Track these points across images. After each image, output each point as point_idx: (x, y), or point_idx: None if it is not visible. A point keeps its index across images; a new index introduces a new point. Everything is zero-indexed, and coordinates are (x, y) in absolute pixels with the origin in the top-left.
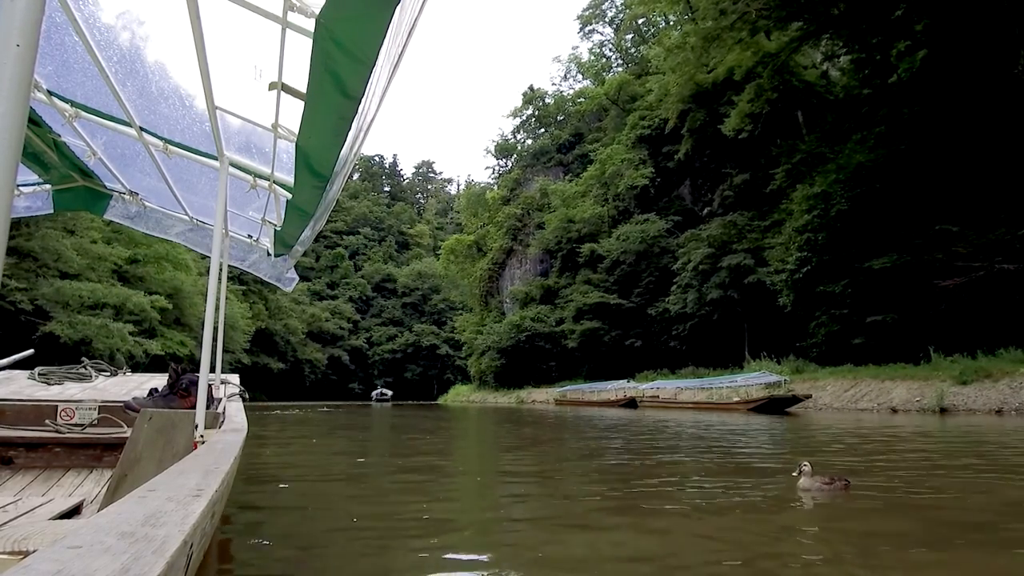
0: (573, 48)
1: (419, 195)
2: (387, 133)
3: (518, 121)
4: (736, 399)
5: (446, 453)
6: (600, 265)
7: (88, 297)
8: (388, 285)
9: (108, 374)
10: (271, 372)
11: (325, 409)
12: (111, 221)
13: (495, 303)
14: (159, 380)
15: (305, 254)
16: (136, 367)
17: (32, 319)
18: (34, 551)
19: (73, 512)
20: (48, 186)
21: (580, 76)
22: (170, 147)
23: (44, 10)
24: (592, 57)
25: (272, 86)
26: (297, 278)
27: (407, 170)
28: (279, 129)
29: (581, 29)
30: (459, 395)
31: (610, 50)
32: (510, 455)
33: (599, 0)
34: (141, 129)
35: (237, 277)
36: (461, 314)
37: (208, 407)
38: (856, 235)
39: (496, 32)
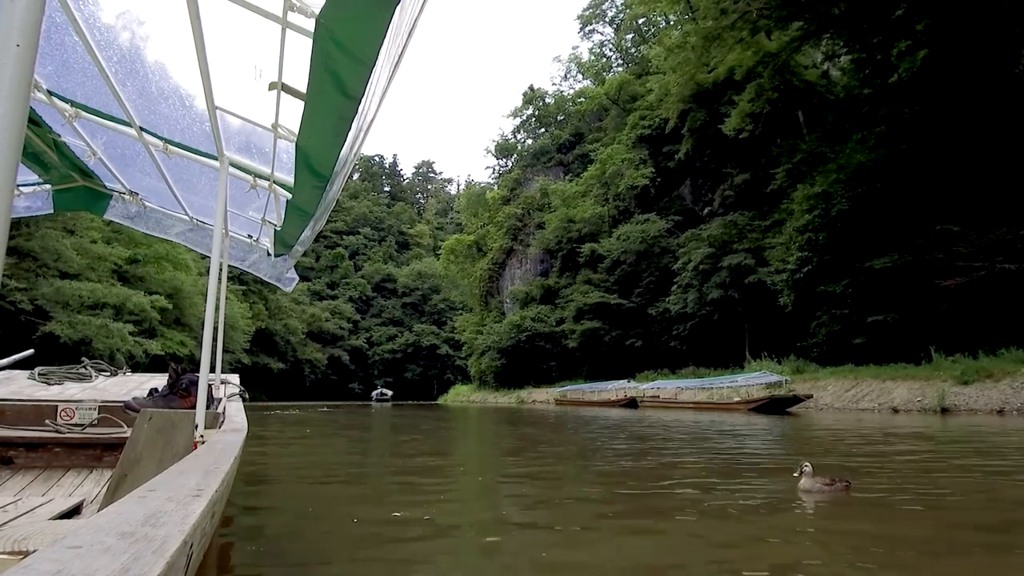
0: (573, 48)
1: (419, 195)
2: (387, 133)
3: (518, 121)
4: (737, 399)
5: (446, 454)
6: (600, 265)
7: (88, 297)
8: (388, 285)
9: (108, 374)
10: (271, 372)
11: (325, 409)
12: (111, 221)
13: (495, 303)
14: (159, 380)
15: (305, 254)
16: (136, 367)
17: (32, 319)
18: (34, 551)
19: (73, 512)
20: (48, 186)
21: (580, 76)
22: (170, 147)
23: (44, 10)
24: (592, 57)
25: (272, 86)
26: (297, 278)
27: (407, 170)
28: (279, 129)
29: (581, 29)
30: (459, 395)
31: (610, 50)
32: (511, 456)
33: (599, 0)
34: (141, 129)
35: (237, 277)
36: (461, 314)
37: (208, 407)
38: (857, 235)
39: (496, 32)
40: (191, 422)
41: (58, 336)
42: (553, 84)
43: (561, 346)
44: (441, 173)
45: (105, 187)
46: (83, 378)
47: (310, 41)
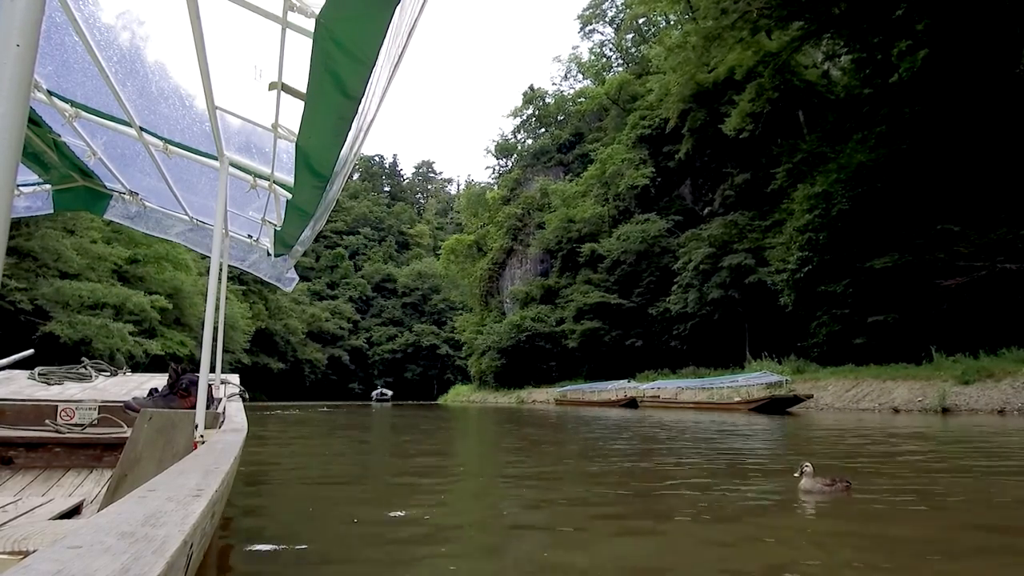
0: (573, 48)
1: (419, 195)
2: (387, 133)
3: (518, 121)
4: (737, 399)
5: (447, 454)
6: (600, 265)
7: (88, 297)
8: (388, 285)
9: (108, 374)
10: (271, 372)
11: (325, 409)
12: (111, 221)
13: (495, 303)
14: (159, 380)
15: (305, 254)
16: (136, 367)
17: (32, 319)
18: (34, 551)
19: (73, 512)
20: (48, 186)
21: (580, 76)
22: (170, 147)
23: (44, 10)
24: (592, 57)
25: (272, 86)
26: (297, 278)
27: (407, 170)
28: (279, 129)
29: (581, 29)
30: (459, 395)
31: (610, 50)
32: (511, 456)
33: (599, 0)
34: (141, 129)
35: (237, 277)
36: (461, 314)
37: (208, 407)
38: (857, 235)
39: (496, 32)
40: (191, 422)
41: (58, 336)
42: (553, 84)
43: (561, 346)
44: (441, 173)
45: (105, 187)
46: (83, 378)
47: (310, 41)
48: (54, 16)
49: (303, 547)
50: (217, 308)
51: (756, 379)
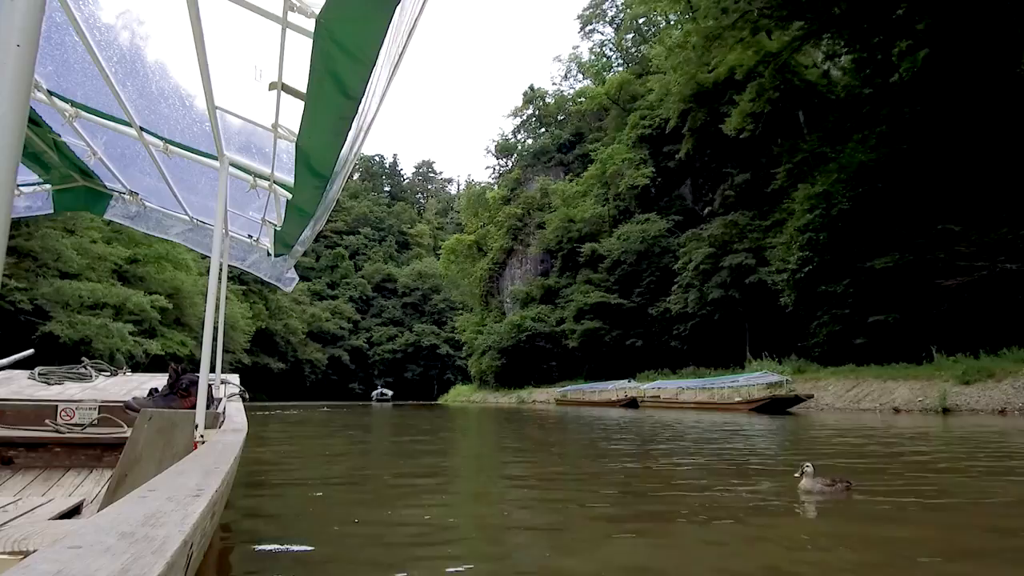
0: (574, 48)
1: (419, 195)
2: (387, 133)
3: (518, 121)
4: (738, 399)
5: (447, 455)
6: (601, 265)
7: (88, 297)
8: (388, 285)
9: (108, 374)
10: (271, 372)
11: (326, 409)
12: (111, 221)
13: (495, 303)
14: (159, 380)
15: (305, 254)
16: (136, 367)
17: (32, 319)
18: (34, 551)
19: (73, 512)
20: (48, 186)
21: (581, 76)
22: (170, 147)
23: (44, 10)
24: (593, 57)
25: (272, 86)
26: (297, 278)
27: (407, 170)
28: (279, 129)
29: (581, 29)
30: (459, 395)
31: (610, 50)
32: (512, 457)
33: (599, 0)
34: (141, 129)
35: (237, 277)
36: (461, 314)
37: (208, 407)
38: (858, 234)
39: (496, 32)
40: (191, 422)
41: (58, 336)
42: (553, 84)
43: (561, 346)
44: (441, 173)
45: (105, 187)
46: (83, 378)
47: (310, 41)
48: (54, 16)
49: (303, 548)
50: (217, 308)
51: (757, 379)
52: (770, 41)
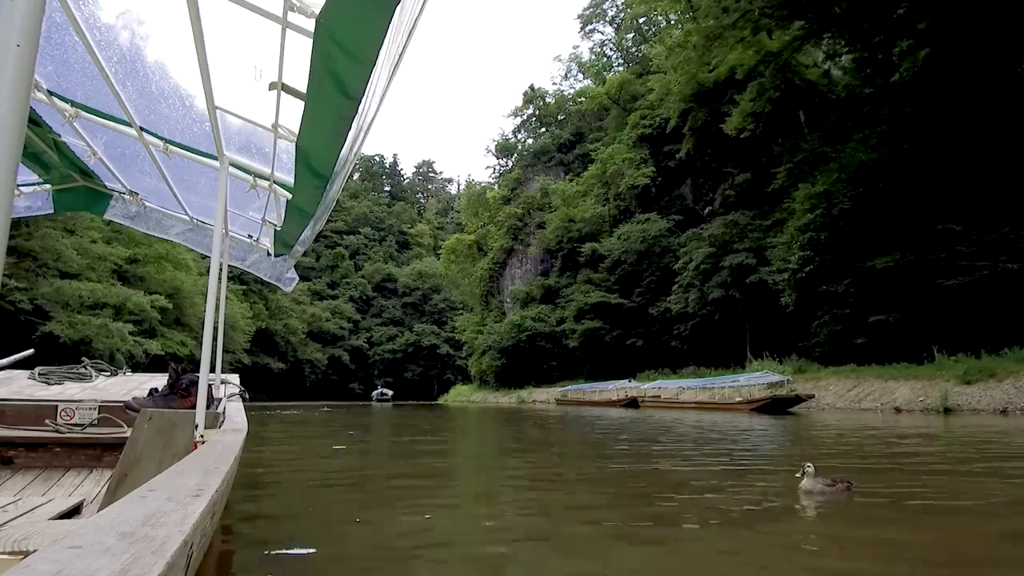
0: (574, 47)
1: (419, 195)
2: (387, 133)
3: (519, 120)
4: (738, 399)
5: (447, 455)
6: (601, 265)
7: (88, 297)
8: (388, 285)
9: (108, 374)
10: (271, 372)
11: (326, 409)
12: (111, 221)
13: (496, 303)
14: (159, 380)
15: (305, 254)
16: (136, 367)
17: (32, 319)
18: (34, 551)
19: (73, 512)
20: (48, 186)
21: (581, 75)
22: (170, 147)
23: (44, 10)
24: (593, 56)
25: (272, 86)
26: (297, 278)
27: (407, 170)
28: (279, 129)
29: (582, 28)
30: (460, 395)
31: (611, 49)
32: (513, 458)
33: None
34: (141, 129)
35: (237, 277)
36: (462, 314)
37: (208, 407)
38: (859, 234)
39: (496, 32)
40: (191, 422)
41: (58, 336)
42: (554, 84)
43: (562, 346)
44: (441, 173)
45: (105, 187)
46: (83, 378)
47: (310, 41)
48: (54, 16)
49: (304, 548)
50: (217, 308)
51: (757, 379)
52: (771, 41)
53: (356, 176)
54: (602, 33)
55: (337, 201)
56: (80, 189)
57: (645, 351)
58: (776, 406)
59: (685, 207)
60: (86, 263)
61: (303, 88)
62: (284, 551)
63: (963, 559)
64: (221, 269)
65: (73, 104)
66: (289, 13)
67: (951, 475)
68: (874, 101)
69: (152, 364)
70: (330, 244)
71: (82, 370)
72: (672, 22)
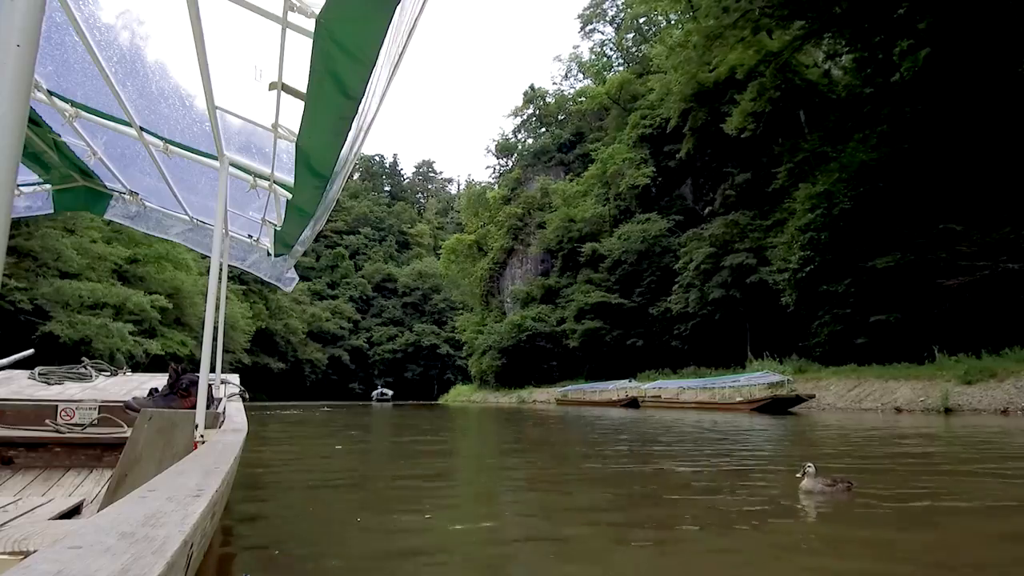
0: (574, 47)
1: (419, 195)
2: (387, 133)
3: (519, 120)
4: (739, 399)
5: (448, 456)
6: (601, 264)
7: (88, 297)
8: (388, 285)
9: (108, 374)
10: (271, 372)
11: (326, 409)
12: (111, 221)
13: (496, 303)
14: (159, 380)
15: (305, 254)
16: (136, 367)
17: (32, 319)
18: (34, 551)
19: (73, 512)
20: (48, 186)
21: (581, 75)
22: (170, 147)
23: (44, 10)
24: (593, 56)
25: (272, 86)
26: (297, 278)
27: (407, 170)
28: (279, 129)
29: (582, 28)
30: (460, 395)
31: (611, 49)
32: (513, 458)
33: None
34: (141, 129)
35: (237, 277)
36: (462, 314)
37: (208, 407)
38: (859, 234)
39: (496, 32)
40: (191, 422)
41: (58, 336)
42: (554, 83)
43: (562, 346)
44: (441, 173)
45: (105, 187)
46: (83, 378)
47: (310, 41)
48: (54, 16)
49: (303, 549)
50: (217, 308)
51: (758, 379)
52: (771, 40)
53: (356, 176)
54: (602, 33)
55: (337, 201)
56: (80, 189)
57: (645, 351)
58: (776, 406)
59: (685, 207)
60: (86, 263)
61: (303, 88)
62: (284, 551)
63: (964, 560)
64: (221, 269)
65: (73, 104)
66: (289, 13)
67: (952, 475)
68: (874, 101)
69: (152, 364)
70: (330, 244)
71: (82, 370)
72: (672, 22)
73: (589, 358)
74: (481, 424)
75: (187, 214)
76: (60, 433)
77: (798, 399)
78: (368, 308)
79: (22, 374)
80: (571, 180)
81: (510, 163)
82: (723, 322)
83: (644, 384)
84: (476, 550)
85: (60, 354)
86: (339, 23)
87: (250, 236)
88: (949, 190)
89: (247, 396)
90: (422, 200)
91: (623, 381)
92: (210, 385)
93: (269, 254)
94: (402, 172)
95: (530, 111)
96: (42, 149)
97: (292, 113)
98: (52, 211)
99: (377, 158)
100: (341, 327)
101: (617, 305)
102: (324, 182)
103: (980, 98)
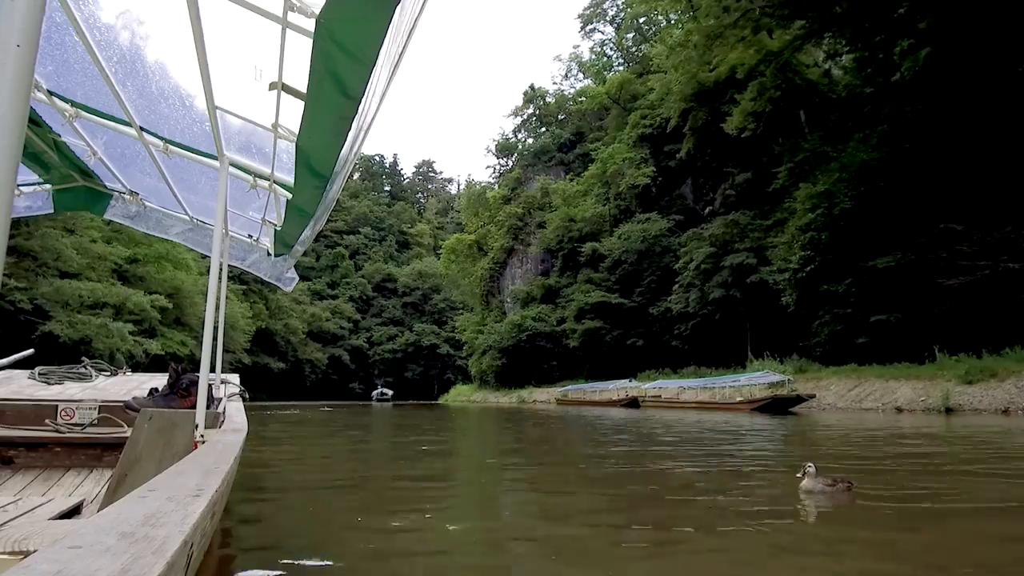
0: (574, 47)
1: (419, 195)
2: (387, 133)
3: (519, 120)
4: (739, 399)
5: (448, 456)
6: (602, 264)
7: (88, 296)
8: (388, 285)
9: (108, 374)
10: (271, 372)
11: (326, 409)
12: (111, 221)
13: (496, 303)
14: (159, 380)
15: (305, 254)
16: (136, 367)
17: (32, 319)
18: (34, 551)
19: (73, 512)
20: (48, 186)
21: (581, 75)
22: (170, 147)
23: (44, 10)
24: (593, 56)
25: (272, 86)
26: (297, 278)
27: (407, 170)
28: (279, 129)
29: (582, 28)
30: (460, 395)
31: (611, 49)
32: (514, 459)
33: None
34: (141, 129)
35: (237, 277)
36: (462, 314)
37: (208, 407)
38: (860, 234)
39: (496, 32)
40: (191, 422)
41: (58, 336)
42: (554, 83)
43: (562, 346)
44: (441, 172)
45: (105, 187)
46: (83, 378)
47: (310, 41)
48: (54, 16)
49: (304, 550)
50: (217, 308)
51: (758, 379)
52: (771, 40)
53: (356, 176)
54: (602, 33)
55: (337, 201)
56: (80, 189)
57: (646, 351)
58: (777, 406)
59: (685, 207)
60: (86, 263)
61: (303, 88)
62: (284, 552)
63: (964, 560)
64: (221, 269)
65: (73, 104)
66: (289, 13)
67: (953, 475)
68: (875, 100)
69: (152, 364)
70: (330, 244)
71: (82, 370)
72: (672, 22)
73: (589, 358)
74: (481, 424)
75: (187, 214)
76: (60, 433)
77: (798, 399)
78: (368, 308)
79: (22, 374)
80: (571, 180)
81: (510, 163)
82: (723, 322)
83: (644, 384)
84: (477, 551)
85: (60, 354)
86: (339, 23)
87: (250, 236)
88: (950, 190)
89: (247, 396)
90: (422, 200)
91: (623, 381)
92: (210, 385)
93: (269, 254)
94: (402, 172)
95: (530, 111)
96: (42, 149)
97: (292, 113)
98: (52, 211)
99: (377, 158)
100: (341, 327)
101: (617, 305)
102: (324, 182)
103: (980, 98)
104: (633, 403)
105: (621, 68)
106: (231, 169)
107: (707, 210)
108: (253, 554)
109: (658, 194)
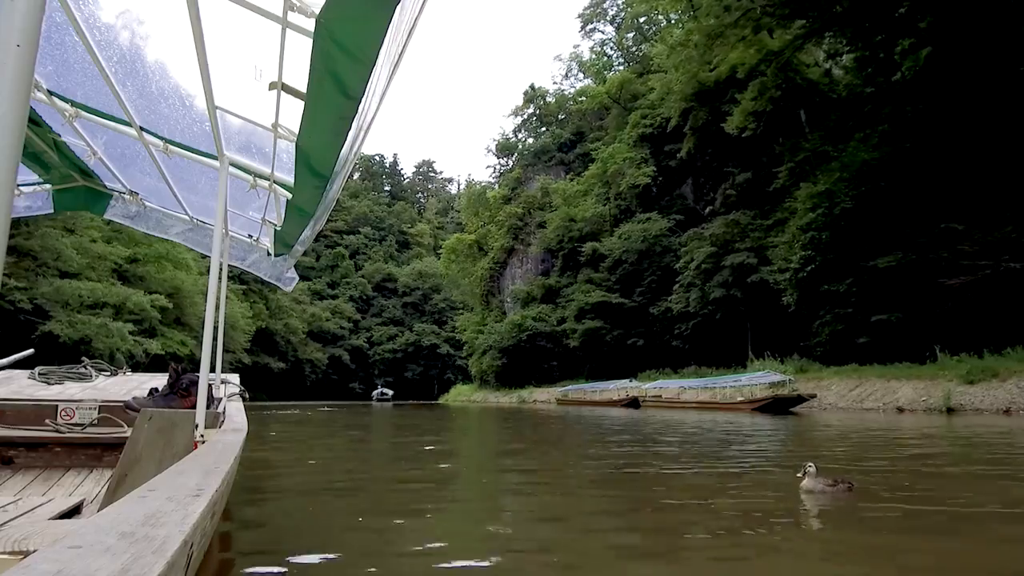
0: (574, 47)
1: (420, 194)
2: (387, 133)
3: (519, 120)
4: (740, 399)
5: (448, 457)
6: (602, 264)
7: (88, 296)
8: (389, 284)
9: (108, 374)
10: (272, 372)
11: (326, 409)
12: (111, 221)
13: (496, 302)
14: (159, 380)
15: (305, 253)
16: (136, 367)
17: (32, 318)
18: (34, 551)
19: (73, 512)
20: (48, 186)
21: (581, 75)
22: (170, 147)
23: (44, 10)
24: (593, 56)
25: (272, 86)
26: (297, 278)
27: (407, 169)
28: (279, 129)
29: (582, 28)
30: (460, 395)
31: (611, 48)
32: (514, 459)
33: None
34: (141, 129)
35: (237, 276)
36: (462, 314)
37: (208, 407)
38: (861, 233)
39: (497, 31)
40: (191, 422)
41: (58, 336)
42: (554, 83)
43: (562, 346)
44: (441, 172)
45: (105, 187)
46: (83, 378)
47: (310, 41)
48: (54, 16)
49: (304, 547)
50: (217, 308)
51: (759, 379)
52: (772, 40)
53: (356, 176)
54: (603, 32)
55: (337, 201)
56: (80, 189)
57: (646, 351)
58: (778, 406)
59: (686, 206)
60: (86, 262)
61: (303, 88)
62: (284, 553)
63: (964, 561)
64: (221, 269)
65: (73, 104)
66: (289, 13)
67: (953, 476)
68: (876, 100)
69: (152, 364)
70: (330, 244)
71: (82, 370)
72: (673, 21)
73: (589, 358)
74: (481, 424)
75: (187, 214)
76: (60, 433)
77: (799, 399)
78: (368, 308)
79: (22, 374)
80: (571, 179)
81: (510, 163)
82: (724, 322)
83: (645, 384)
84: (477, 552)
85: (60, 354)
86: (339, 23)
87: (250, 236)
88: (951, 189)
89: (247, 396)
90: (422, 200)
91: (624, 381)
92: (210, 385)
93: (269, 254)
94: (402, 172)
95: (530, 111)
96: (42, 149)
97: (292, 113)
98: (52, 211)
99: (377, 158)
100: (341, 327)
101: (618, 305)
102: (324, 182)
103: (981, 97)
104: (633, 403)
105: (621, 68)
106: (231, 169)
107: (707, 210)
108: (253, 553)
109: (658, 194)
